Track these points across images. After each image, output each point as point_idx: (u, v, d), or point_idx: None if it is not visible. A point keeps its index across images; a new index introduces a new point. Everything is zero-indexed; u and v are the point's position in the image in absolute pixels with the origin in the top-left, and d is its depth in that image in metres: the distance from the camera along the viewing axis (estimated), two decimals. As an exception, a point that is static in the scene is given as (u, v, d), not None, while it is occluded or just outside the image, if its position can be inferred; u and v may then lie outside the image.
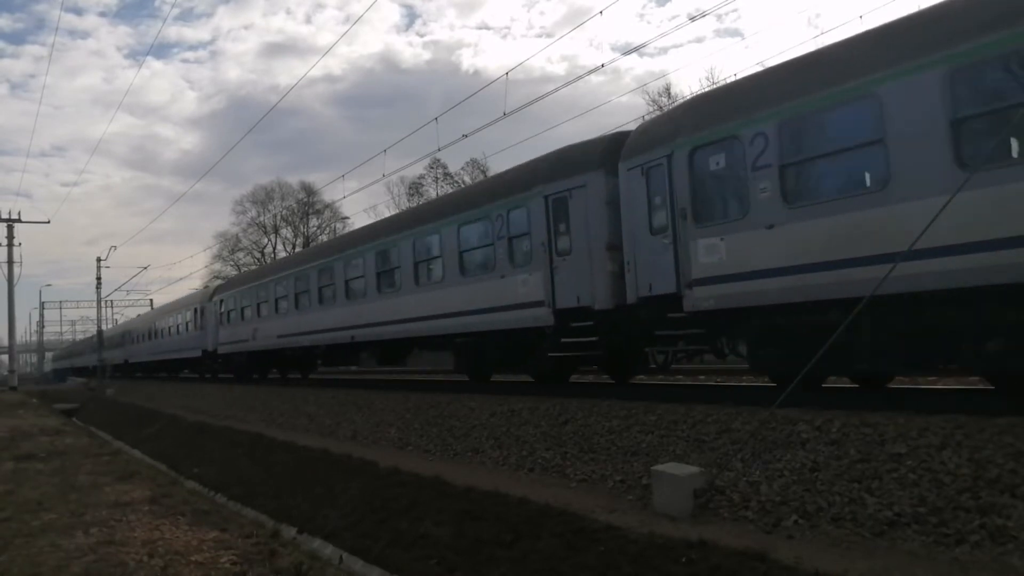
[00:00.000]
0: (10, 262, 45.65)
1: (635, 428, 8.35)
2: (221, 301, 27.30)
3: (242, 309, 24.94)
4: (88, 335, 75.31)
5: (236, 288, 26.42)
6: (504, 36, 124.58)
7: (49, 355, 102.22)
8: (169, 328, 35.69)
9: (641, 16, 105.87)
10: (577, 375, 14.44)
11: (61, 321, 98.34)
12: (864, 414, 6.70)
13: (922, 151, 6.60)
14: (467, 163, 53.75)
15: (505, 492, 7.39)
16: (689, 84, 65.45)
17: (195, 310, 30.70)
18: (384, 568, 7.00)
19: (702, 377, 15.57)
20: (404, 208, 49.33)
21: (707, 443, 7.41)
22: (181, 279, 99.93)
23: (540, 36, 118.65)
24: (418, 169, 55.82)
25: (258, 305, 23.39)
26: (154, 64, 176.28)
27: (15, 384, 47.15)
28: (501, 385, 14.22)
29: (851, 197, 7.27)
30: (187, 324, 32.17)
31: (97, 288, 49.35)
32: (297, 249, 58.26)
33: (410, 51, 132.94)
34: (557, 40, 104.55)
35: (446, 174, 54.74)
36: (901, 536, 5.16)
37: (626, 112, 63.87)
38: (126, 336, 48.56)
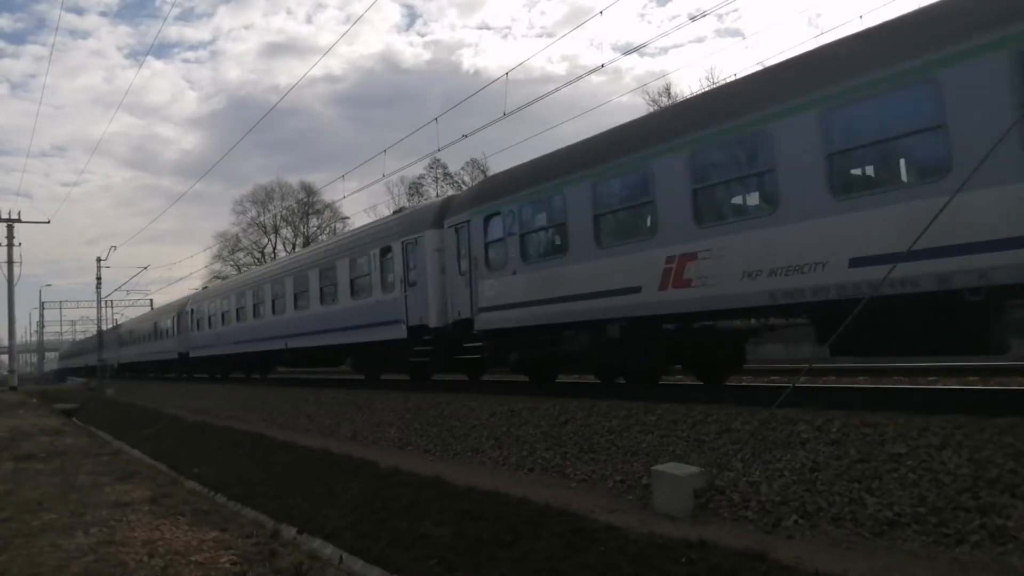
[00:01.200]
0: (10, 262, 45.73)
1: (635, 428, 8.36)
2: (593, 182, 10.66)
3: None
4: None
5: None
6: (505, 36, 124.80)
7: (51, 355, 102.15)
8: (320, 289, 19.14)
9: (642, 16, 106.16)
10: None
11: (61, 321, 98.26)
12: (864, 414, 6.70)
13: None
14: (467, 163, 53.85)
15: (505, 492, 7.39)
16: (689, 84, 65.45)
17: (400, 245, 15.36)
18: (384, 568, 7.00)
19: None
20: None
21: (707, 443, 7.41)
22: (181, 279, 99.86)
23: (541, 36, 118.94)
24: (418, 169, 55.94)
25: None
26: (154, 64, 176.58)
27: (15, 384, 47.16)
28: (503, 385, 14.22)
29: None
30: (378, 269, 16.27)
31: (97, 288, 49.35)
32: (297, 249, 57.64)
33: (411, 51, 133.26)
34: (558, 40, 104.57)
35: (446, 174, 54.83)
36: (901, 536, 5.16)
37: (626, 112, 63.84)
38: (185, 316, 32.66)
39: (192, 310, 31.80)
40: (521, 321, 11.97)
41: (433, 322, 14.16)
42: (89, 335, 70.95)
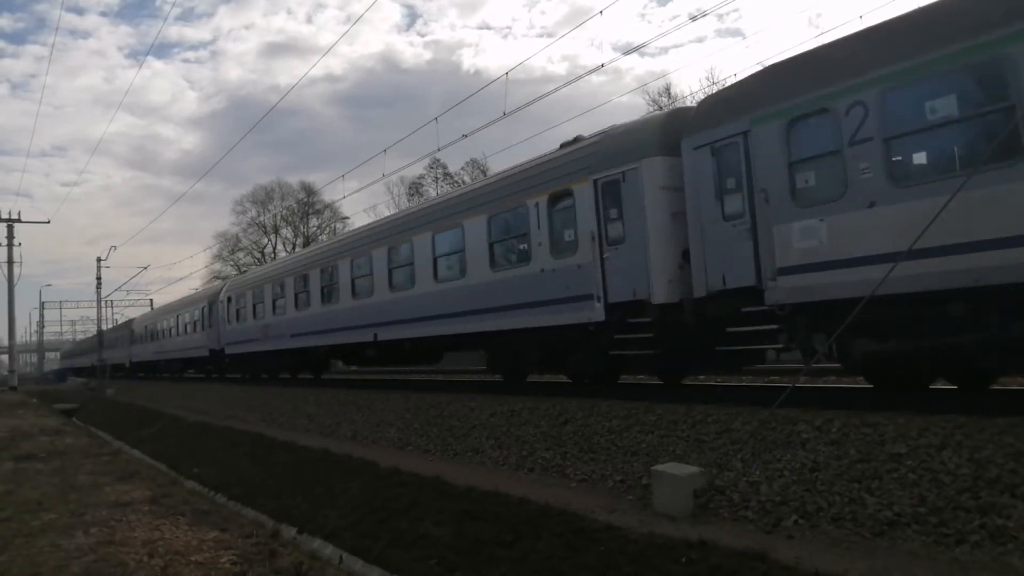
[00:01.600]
0: (10, 262, 45.76)
1: (635, 428, 8.36)
2: None
3: None
4: (117, 322, 61.25)
5: None
6: (505, 36, 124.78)
7: (51, 355, 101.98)
8: None
9: (642, 16, 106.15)
10: None
11: (61, 321, 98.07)
12: (864, 414, 6.71)
13: None
14: (467, 163, 53.88)
15: (505, 492, 7.39)
16: (689, 84, 65.48)
17: None
18: (384, 568, 7.00)
19: (702, 377, 15.57)
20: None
21: (707, 443, 7.41)
22: (181, 279, 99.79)
23: (541, 36, 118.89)
24: (418, 169, 55.89)
25: None
26: (155, 64, 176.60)
27: (15, 384, 47.17)
28: (501, 385, 14.22)
29: None
30: None
31: (97, 288, 49.21)
32: (298, 249, 57.65)
33: (411, 51, 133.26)
34: (558, 40, 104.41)
35: (446, 174, 54.85)
36: (901, 536, 5.16)
37: (626, 112, 63.83)
38: (219, 306, 27.78)
39: (230, 299, 26.48)
40: (899, 285, 6.79)
41: (661, 295, 9.63)
42: (91, 334, 66.41)
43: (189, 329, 32.05)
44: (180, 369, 36.74)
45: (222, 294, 27.98)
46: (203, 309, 29.79)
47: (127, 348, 46.60)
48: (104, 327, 53.21)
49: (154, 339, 39.23)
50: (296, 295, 20.80)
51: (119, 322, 62.44)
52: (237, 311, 25.74)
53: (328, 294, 18.80)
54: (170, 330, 35.65)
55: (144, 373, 45.32)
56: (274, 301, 22.47)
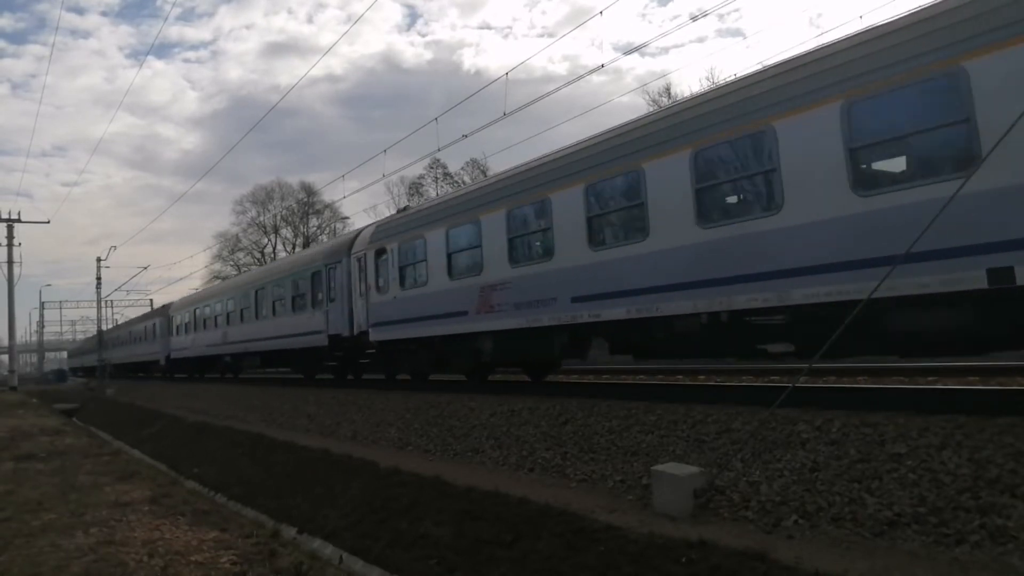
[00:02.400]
0: (10, 262, 45.85)
1: (635, 428, 8.36)
2: None
3: None
4: (126, 318, 55.26)
5: None
6: (506, 36, 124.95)
7: (51, 355, 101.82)
8: None
9: (643, 16, 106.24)
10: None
11: (61, 321, 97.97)
12: (864, 414, 6.71)
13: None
14: (467, 163, 53.93)
15: (505, 492, 7.39)
16: (690, 84, 65.42)
17: None
18: (384, 568, 7.00)
19: (702, 377, 15.58)
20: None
21: (707, 443, 7.41)
22: (181, 279, 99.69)
23: (542, 36, 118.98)
24: (418, 169, 56.01)
25: None
26: (155, 64, 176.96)
27: (15, 384, 47.19)
28: (502, 385, 14.21)
29: None
30: None
31: (97, 288, 49.34)
32: (297, 249, 57.54)
33: (412, 51, 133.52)
34: (558, 40, 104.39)
35: (446, 174, 54.91)
36: (901, 536, 5.16)
37: (627, 112, 63.84)
38: (347, 265, 17.46)
39: (381, 252, 16.05)
40: None
41: None
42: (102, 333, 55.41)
43: (281, 308, 21.78)
44: (255, 366, 26.76)
45: (357, 247, 17.33)
46: (313, 276, 19.46)
47: (164, 341, 35.76)
48: (104, 327, 53.13)
49: (211, 327, 28.60)
50: (590, 220, 10.50)
51: (119, 322, 61.85)
52: (401, 271, 15.28)
53: (716, 202, 8.85)
54: (242, 312, 25.14)
55: (187, 373, 34.52)
56: (511, 241, 12.15)
